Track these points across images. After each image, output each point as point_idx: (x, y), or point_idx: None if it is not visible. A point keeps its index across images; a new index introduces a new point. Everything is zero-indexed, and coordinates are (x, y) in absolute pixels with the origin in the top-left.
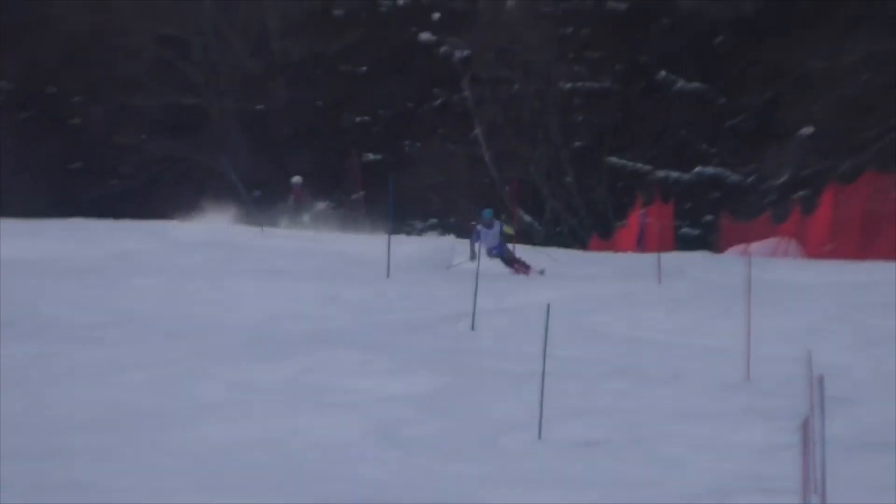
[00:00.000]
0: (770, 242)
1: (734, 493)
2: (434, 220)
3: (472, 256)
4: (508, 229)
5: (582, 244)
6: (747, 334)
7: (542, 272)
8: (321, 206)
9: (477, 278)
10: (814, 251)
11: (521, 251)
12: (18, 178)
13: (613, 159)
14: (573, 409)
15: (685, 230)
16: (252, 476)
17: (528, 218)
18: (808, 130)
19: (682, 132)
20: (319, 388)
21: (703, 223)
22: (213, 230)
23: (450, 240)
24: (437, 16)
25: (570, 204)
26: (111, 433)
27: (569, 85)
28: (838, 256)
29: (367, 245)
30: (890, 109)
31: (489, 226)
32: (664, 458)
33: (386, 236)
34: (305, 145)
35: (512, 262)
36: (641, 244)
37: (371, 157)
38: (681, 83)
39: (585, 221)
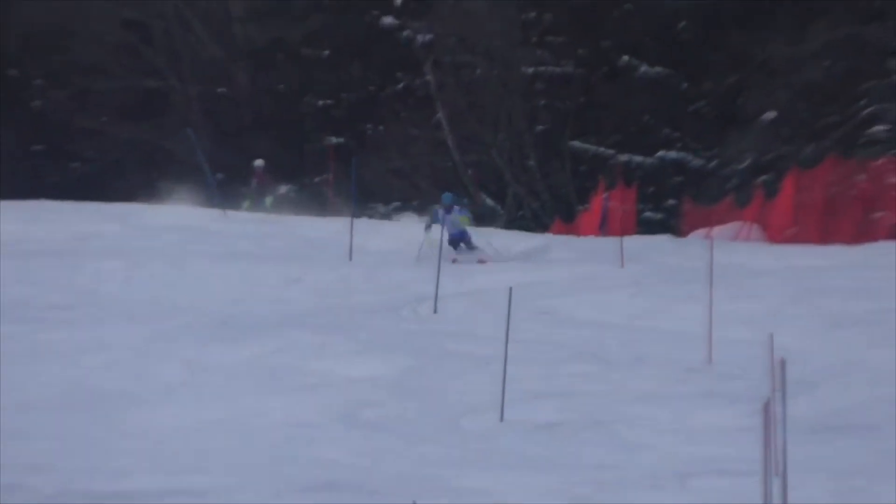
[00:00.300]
0: (732, 227)
1: (696, 475)
2: (397, 204)
3: (428, 227)
4: (464, 220)
5: (544, 228)
6: (709, 318)
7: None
8: (283, 189)
9: (439, 261)
10: (776, 235)
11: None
12: None
13: (576, 143)
14: (535, 392)
15: (648, 214)
16: (214, 457)
17: (490, 202)
18: (770, 115)
19: (645, 117)
20: (282, 369)
21: (665, 207)
22: (176, 213)
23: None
24: (398, 0)
25: (532, 188)
26: (73, 414)
27: (531, 69)
28: (800, 241)
29: (329, 228)
30: (851, 96)
31: (448, 210)
32: (626, 441)
33: (348, 219)
34: (267, 129)
35: (469, 247)
36: (604, 228)
37: (333, 140)
38: (644, 68)
39: (548, 205)
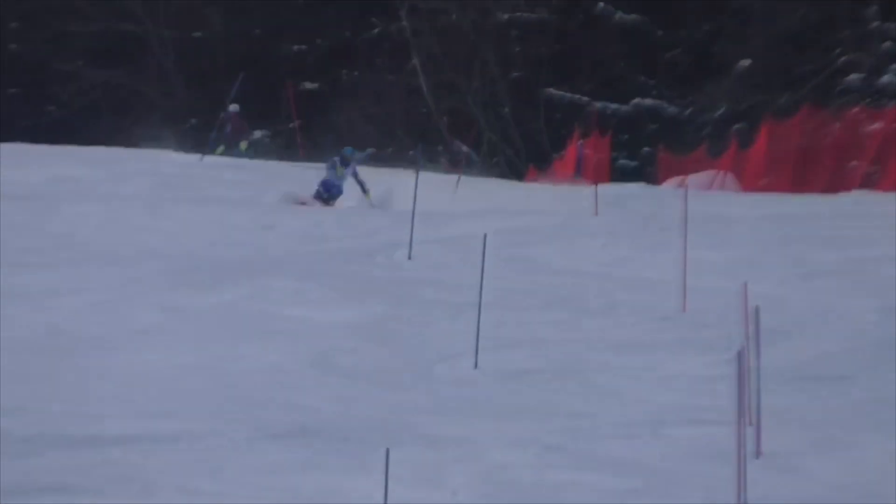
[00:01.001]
0: (707, 175)
1: (669, 423)
2: (371, 150)
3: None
4: (340, 171)
5: (518, 175)
6: (683, 266)
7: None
8: (258, 134)
9: (414, 207)
10: (750, 184)
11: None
12: None
13: (551, 91)
14: (509, 340)
15: (622, 162)
16: (189, 401)
17: (465, 148)
18: (745, 64)
19: (620, 64)
20: (256, 315)
21: (640, 155)
22: (151, 158)
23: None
24: None
25: (507, 135)
26: (45, 357)
27: (506, 16)
28: (774, 190)
29: (304, 174)
30: (827, 45)
31: (346, 163)
32: (599, 389)
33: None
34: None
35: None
36: (578, 175)
37: (308, 86)
38: (619, 15)
39: (522, 153)
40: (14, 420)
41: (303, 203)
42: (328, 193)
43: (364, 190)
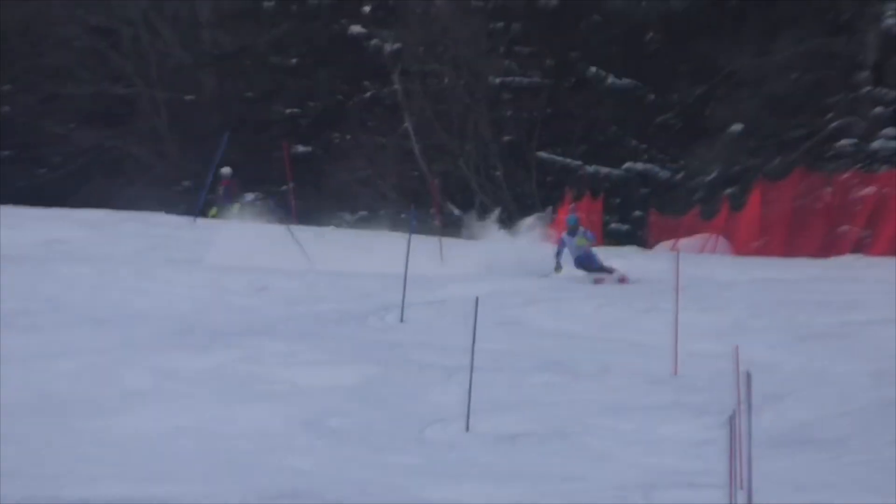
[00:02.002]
0: (698, 239)
1: (661, 487)
2: (363, 213)
3: (558, 267)
4: (582, 242)
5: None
6: (675, 330)
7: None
8: (250, 196)
9: (406, 270)
10: (742, 248)
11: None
12: None
13: (543, 154)
14: (501, 402)
15: (614, 225)
16: (179, 465)
17: (457, 211)
18: (737, 128)
19: (612, 128)
20: (248, 377)
21: (632, 219)
22: (144, 219)
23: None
24: (367, 9)
25: (498, 198)
26: (39, 421)
27: (498, 79)
28: (766, 253)
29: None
30: (818, 108)
31: (573, 233)
32: (591, 452)
33: (315, 227)
34: (235, 136)
35: (598, 269)
36: None
37: (301, 149)
38: (611, 79)
39: (514, 215)
40: (7, 483)
41: (623, 281)
42: (589, 263)
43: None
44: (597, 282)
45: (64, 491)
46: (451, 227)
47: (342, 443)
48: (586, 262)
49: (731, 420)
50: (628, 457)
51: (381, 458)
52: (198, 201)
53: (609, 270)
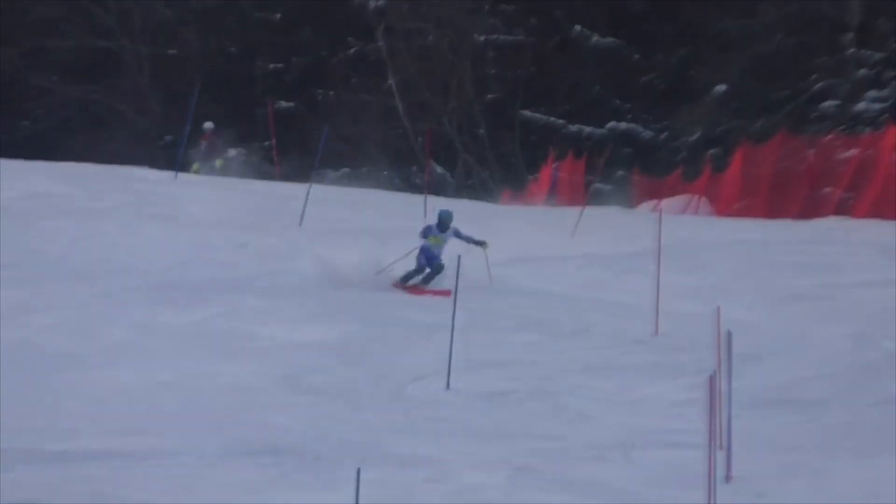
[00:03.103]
0: (681, 199)
1: (640, 447)
2: (346, 170)
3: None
4: (437, 240)
5: (493, 197)
6: (656, 290)
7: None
8: (233, 152)
9: (386, 229)
10: (724, 209)
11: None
12: None
13: (526, 113)
14: (481, 361)
15: (597, 185)
16: (159, 419)
17: (440, 170)
18: (720, 89)
19: (596, 87)
20: (228, 333)
21: (615, 179)
22: (126, 174)
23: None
24: None
25: (482, 157)
26: (20, 374)
27: (483, 37)
28: (748, 215)
29: (278, 193)
30: (802, 70)
31: (443, 229)
32: (571, 411)
33: (298, 185)
34: (218, 92)
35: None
36: (553, 198)
37: (283, 104)
38: (595, 38)
39: (497, 174)
40: None
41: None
42: (428, 268)
43: (479, 243)
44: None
45: (44, 443)
46: (435, 186)
47: (323, 399)
48: (431, 263)
49: (711, 380)
50: (608, 416)
51: (361, 415)
52: (177, 156)
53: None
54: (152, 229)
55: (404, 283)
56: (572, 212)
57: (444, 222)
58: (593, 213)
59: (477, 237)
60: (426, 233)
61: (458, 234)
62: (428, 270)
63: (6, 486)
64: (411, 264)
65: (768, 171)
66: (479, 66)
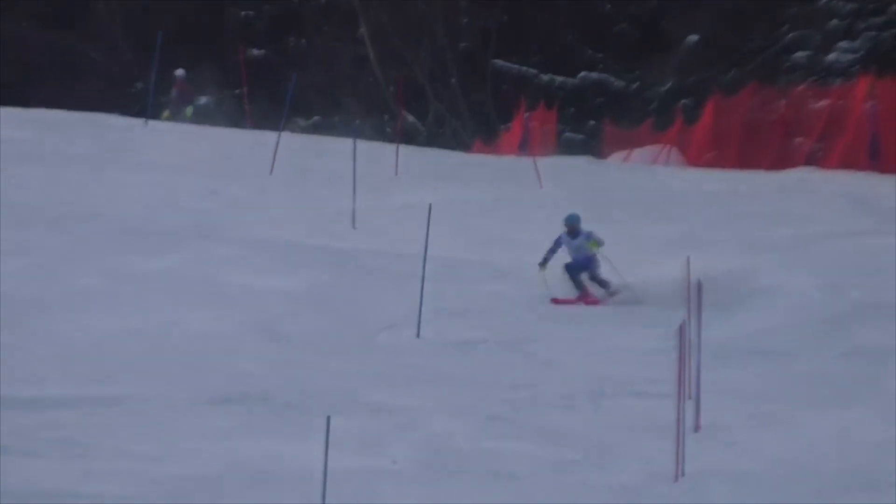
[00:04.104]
0: (652, 150)
1: (609, 396)
2: (317, 118)
3: (544, 261)
4: (594, 245)
5: (465, 147)
6: (627, 240)
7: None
8: (203, 100)
9: (354, 177)
10: (695, 160)
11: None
12: None
13: (498, 62)
14: (452, 310)
15: (568, 135)
16: (129, 366)
17: (411, 119)
18: (692, 39)
19: (568, 37)
20: (199, 281)
21: (586, 128)
22: (96, 121)
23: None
24: None
25: (454, 106)
26: None
27: None
28: (719, 166)
29: (249, 141)
30: (775, 22)
31: (573, 234)
32: (541, 360)
33: (269, 133)
34: (189, 39)
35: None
36: (524, 148)
37: (255, 52)
38: None
39: (469, 124)
40: None
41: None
42: (588, 269)
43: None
44: (584, 301)
45: (13, 389)
46: (407, 135)
47: (293, 347)
48: (583, 267)
49: (681, 330)
50: (577, 365)
51: (331, 363)
52: (147, 103)
53: (606, 286)
54: (122, 176)
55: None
56: (543, 162)
57: (573, 228)
58: (564, 162)
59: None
60: (559, 244)
61: (590, 236)
62: (585, 274)
63: None
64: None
65: (739, 121)
66: (452, 15)
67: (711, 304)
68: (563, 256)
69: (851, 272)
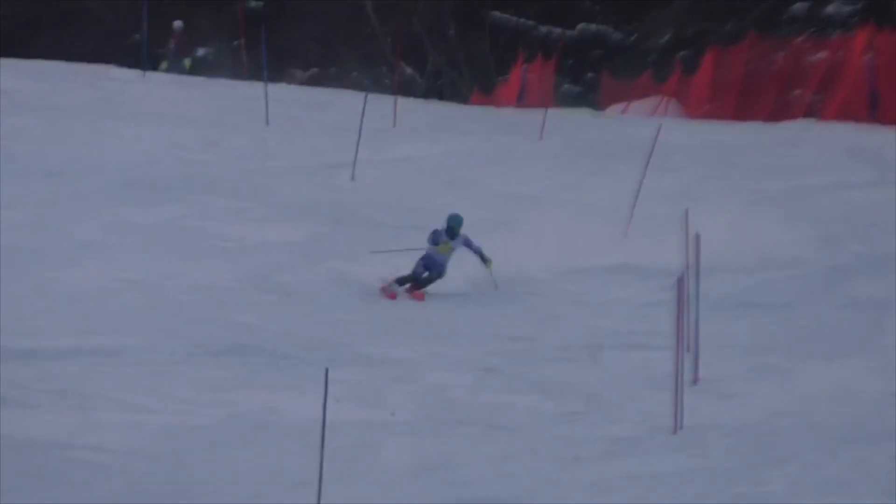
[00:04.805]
0: (650, 101)
1: (608, 348)
2: (315, 70)
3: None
4: (445, 248)
5: (463, 98)
6: (627, 192)
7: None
8: (201, 52)
9: (360, 130)
10: (693, 112)
11: None
12: None
13: (496, 14)
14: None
15: (566, 87)
16: (127, 318)
17: (409, 71)
18: None
19: None
20: (196, 233)
21: (584, 80)
22: (95, 72)
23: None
24: None
25: (451, 58)
26: None
27: None
28: (717, 117)
29: (247, 93)
30: None
31: (451, 235)
32: (539, 312)
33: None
34: None
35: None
36: (522, 100)
37: (253, 3)
38: None
39: (467, 76)
40: None
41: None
42: (427, 273)
43: (484, 259)
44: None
45: (12, 341)
46: (404, 87)
47: (291, 299)
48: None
49: (679, 283)
50: (576, 318)
51: (329, 315)
52: (144, 55)
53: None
54: (120, 128)
55: (396, 287)
56: (541, 114)
57: (453, 228)
58: (562, 115)
59: (485, 251)
60: (435, 238)
61: (468, 244)
62: (426, 275)
63: None
64: (406, 269)
65: (738, 73)
66: None
67: (709, 257)
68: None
69: (849, 224)
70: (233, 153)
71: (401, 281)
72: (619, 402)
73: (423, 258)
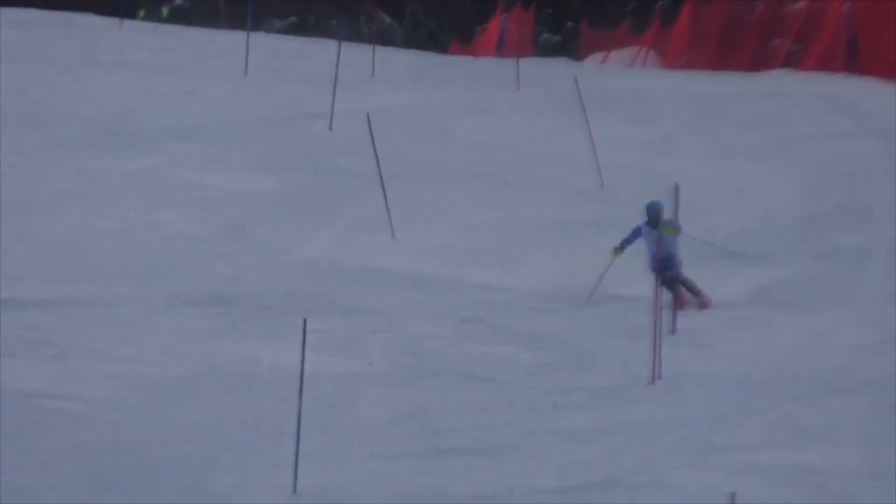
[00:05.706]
0: (629, 52)
1: (585, 299)
2: (293, 19)
3: (620, 248)
4: (670, 230)
5: (441, 48)
6: (601, 143)
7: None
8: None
9: (335, 80)
10: (672, 62)
11: None
12: None
13: None
14: (428, 213)
15: (545, 36)
16: (105, 267)
17: (388, 20)
18: None
19: None
20: (174, 182)
21: (563, 30)
22: (71, 20)
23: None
24: None
25: (430, 6)
26: None
27: None
28: (696, 68)
29: (225, 41)
30: None
31: (653, 223)
32: (516, 263)
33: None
34: None
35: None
36: (501, 50)
37: None
38: None
39: (446, 25)
40: None
41: (704, 307)
42: (669, 272)
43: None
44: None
45: None
46: (383, 37)
47: (269, 249)
48: (666, 265)
49: (658, 233)
50: (553, 269)
51: (307, 265)
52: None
53: (694, 290)
54: (97, 76)
55: (692, 300)
56: (519, 63)
57: (654, 217)
58: (541, 65)
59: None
60: (647, 233)
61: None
62: (669, 274)
63: None
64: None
65: (716, 23)
66: None
67: (687, 207)
68: None
69: (827, 174)
70: (210, 102)
71: (676, 294)
72: (598, 352)
73: (660, 262)
